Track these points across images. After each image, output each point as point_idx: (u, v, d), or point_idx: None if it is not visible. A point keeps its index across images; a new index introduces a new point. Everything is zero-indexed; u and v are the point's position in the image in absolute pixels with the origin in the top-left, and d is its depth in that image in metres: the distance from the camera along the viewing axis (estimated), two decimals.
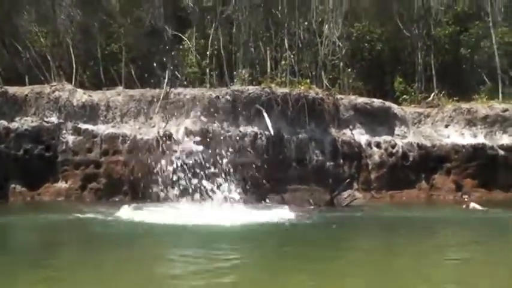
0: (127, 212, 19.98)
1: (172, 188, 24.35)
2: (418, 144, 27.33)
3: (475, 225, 20.00)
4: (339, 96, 27.32)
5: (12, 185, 24.10)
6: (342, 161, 26.09)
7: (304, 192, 24.88)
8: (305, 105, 25.51)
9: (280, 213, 20.38)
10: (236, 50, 30.12)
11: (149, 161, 24.39)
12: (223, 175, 24.37)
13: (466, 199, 24.74)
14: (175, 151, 24.28)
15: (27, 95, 25.26)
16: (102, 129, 25.15)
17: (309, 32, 31.27)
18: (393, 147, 26.95)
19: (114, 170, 24.58)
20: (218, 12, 30.61)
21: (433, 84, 31.35)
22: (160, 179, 24.04)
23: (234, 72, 28.92)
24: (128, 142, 24.80)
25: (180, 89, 26.25)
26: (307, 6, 31.19)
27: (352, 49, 32.62)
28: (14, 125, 24.57)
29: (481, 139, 27.88)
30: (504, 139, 27.90)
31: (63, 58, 30.08)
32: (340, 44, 30.54)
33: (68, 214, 19.48)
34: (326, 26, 30.64)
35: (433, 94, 30.14)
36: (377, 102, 27.70)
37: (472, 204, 23.77)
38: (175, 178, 24.14)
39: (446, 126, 28.27)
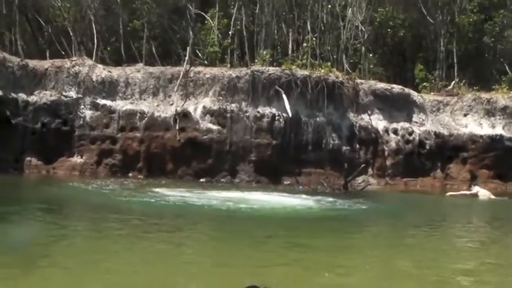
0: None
1: (188, 167, 24.53)
2: (435, 132, 27.21)
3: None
4: (359, 80, 27.24)
5: (28, 158, 24.24)
6: (358, 146, 26.11)
7: (319, 175, 24.94)
8: (324, 88, 25.49)
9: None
10: (258, 30, 29.99)
11: (166, 138, 24.50)
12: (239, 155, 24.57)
13: (471, 187, 24.57)
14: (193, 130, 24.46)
15: (47, 69, 25.39)
16: (120, 105, 25.23)
17: (332, 16, 31.09)
18: (410, 134, 26.84)
19: (130, 146, 24.68)
20: None
21: (454, 72, 31.07)
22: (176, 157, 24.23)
23: (255, 53, 28.79)
24: (146, 119, 24.88)
25: (200, 68, 26.33)
26: None
27: (375, 34, 32.44)
28: (32, 98, 24.68)
29: (499, 130, 27.67)
30: None
31: (85, 33, 30.21)
32: (362, 28, 30.33)
33: None
34: (349, 10, 30.41)
35: (453, 82, 29.88)
36: (396, 88, 27.57)
37: (477, 189, 23.73)
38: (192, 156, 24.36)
39: (465, 115, 28.07)
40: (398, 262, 10.91)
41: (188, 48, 26.92)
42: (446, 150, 27.12)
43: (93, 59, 26.84)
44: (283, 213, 16.82)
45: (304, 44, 29.46)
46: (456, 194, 23.81)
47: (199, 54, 28.65)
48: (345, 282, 8.97)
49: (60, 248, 10.78)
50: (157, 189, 19.84)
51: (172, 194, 19.03)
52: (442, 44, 32.05)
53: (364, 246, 12.83)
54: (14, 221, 13.31)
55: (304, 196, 20.54)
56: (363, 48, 30.67)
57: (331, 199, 20.24)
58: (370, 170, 26.07)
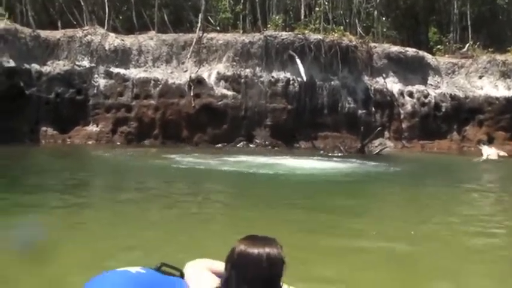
0: None
1: (203, 133, 24.47)
2: (450, 95, 27.07)
3: None
4: (372, 44, 27.10)
5: (44, 128, 24.19)
6: (373, 109, 26.02)
7: (335, 139, 24.87)
8: (338, 52, 25.36)
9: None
10: None
11: (181, 105, 24.43)
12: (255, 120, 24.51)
13: (481, 147, 24.46)
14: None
15: (59, 39, 25.29)
16: (134, 73, 25.14)
17: None
18: (426, 97, 26.71)
19: (145, 114, 24.59)
20: None
21: (468, 34, 30.84)
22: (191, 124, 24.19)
23: (267, 18, 28.62)
24: (160, 86, 24.78)
25: (212, 34, 26.20)
26: None
27: None
28: (46, 68, 24.58)
29: None
30: None
31: (96, 2, 30.04)
32: None
33: None
34: None
35: (467, 45, 29.71)
36: (411, 51, 27.45)
37: (487, 151, 23.62)
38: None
39: (480, 77, 27.93)
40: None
41: (200, 14, 26.80)
42: (462, 113, 26.98)
43: (105, 27, 26.68)
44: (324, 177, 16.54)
45: (317, 9, 29.31)
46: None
47: (212, 21, 28.57)
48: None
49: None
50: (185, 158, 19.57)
51: (205, 161, 18.71)
52: (455, 7, 31.83)
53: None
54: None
55: (333, 159, 20.54)
56: (376, 11, 30.46)
57: (359, 161, 20.15)
58: (386, 133, 26.00)
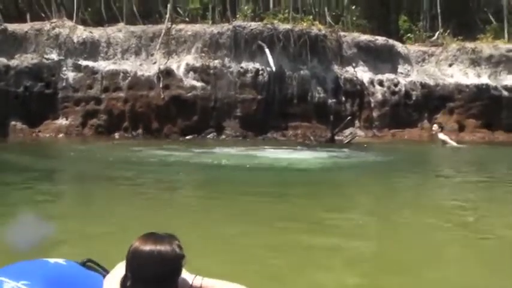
0: None
1: (174, 125, 24.38)
2: (421, 83, 27.10)
3: None
4: (342, 33, 27.07)
5: (13, 123, 23.99)
6: (344, 98, 25.99)
7: (306, 128, 24.88)
8: (307, 42, 25.35)
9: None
10: None
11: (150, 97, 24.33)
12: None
13: (433, 129, 24.46)
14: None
15: (27, 32, 25.10)
16: (103, 65, 24.99)
17: None
18: (396, 85, 26.73)
19: (114, 106, 24.46)
20: None
21: (438, 23, 30.84)
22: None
23: (237, 8, 28.52)
24: (129, 78, 24.66)
25: (181, 25, 26.10)
26: None
27: None
28: (13, 62, 24.37)
29: (485, 79, 27.60)
30: (508, 79, 27.58)
31: None
32: None
33: None
34: None
35: (437, 33, 29.76)
36: (380, 40, 27.45)
37: (441, 136, 23.60)
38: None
39: (450, 65, 28.03)
40: None
41: (169, 5, 26.63)
42: (432, 101, 26.98)
43: (74, 20, 26.48)
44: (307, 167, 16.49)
45: None
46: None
47: (181, 12, 28.39)
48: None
49: None
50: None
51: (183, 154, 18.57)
52: None
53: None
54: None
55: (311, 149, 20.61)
56: (345, 0, 30.45)
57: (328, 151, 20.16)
58: (356, 122, 26.02)
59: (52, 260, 3.72)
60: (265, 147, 20.81)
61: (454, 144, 23.02)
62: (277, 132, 24.78)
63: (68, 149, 20.31)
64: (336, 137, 24.01)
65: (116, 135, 24.22)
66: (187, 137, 23.87)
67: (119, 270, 3.57)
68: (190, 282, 3.61)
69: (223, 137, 24.37)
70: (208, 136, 24.28)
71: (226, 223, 8.83)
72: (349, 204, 11.26)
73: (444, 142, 23.02)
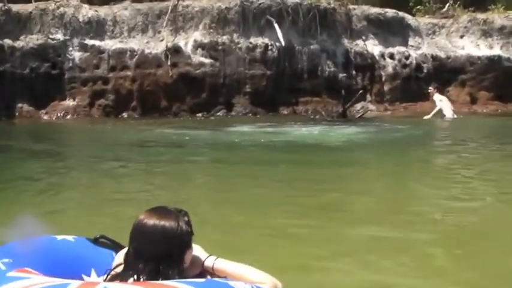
0: None
1: (182, 103, 24.12)
2: (432, 55, 26.79)
3: None
4: (351, 6, 26.72)
5: (19, 105, 23.69)
6: (354, 72, 25.71)
7: (317, 103, 24.59)
8: (316, 15, 25.06)
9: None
10: None
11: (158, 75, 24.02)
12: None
13: (429, 91, 24.19)
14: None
15: (31, 13, 24.72)
16: (110, 44, 24.62)
17: None
18: (407, 58, 26.42)
19: (122, 86, 24.12)
20: None
21: None
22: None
23: None
24: (136, 57, 24.31)
25: (188, 1, 25.65)
26: None
27: None
28: (18, 43, 24.01)
29: (497, 50, 27.28)
30: None
31: None
32: None
33: None
34: None
35: (447, 4, 29.31)
36: (390, 12, 27.11)
37: (437, 97, 23.34)
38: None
39: (462, 37, 27.67)
40: None
41: None
42: (444, 73, 26.65)
43: None
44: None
45: None
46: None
47: None
48: None
49: None
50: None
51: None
52: None
53: None
54: None
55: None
56: None
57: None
58: (368, 96, 25.75)
59: (60, 237, 3.48)
60: (292, 123, 20.77)
61: (449, 113, 22.88)
62: (288, 108, 24.49)
63: (90, 132, 19.84)
64: (348, 112, 23.71)
65: (125, 114, 23.90)
66: (198, 115, 23.66)
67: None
68: (202, 261, 3.32)
69: (233, 113, 24.07)
70: (218, 114, 23.96)
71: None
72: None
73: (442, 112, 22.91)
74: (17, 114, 23.58)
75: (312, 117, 23.31)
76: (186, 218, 3.15)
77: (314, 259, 6.25)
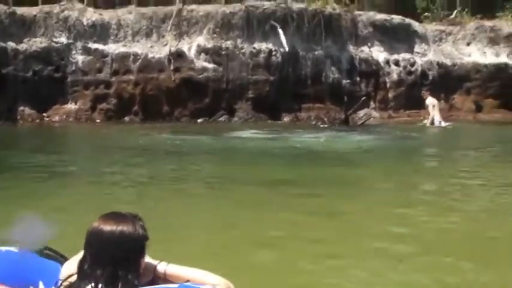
0: None
1: (184, 108, 24.03)
2: (438, 62, 26.62)
3: None
4: (357, 12, 26.60)
5: (21, 108, 23.69)
6: (358, 78, 25.58)
7: (319, 110, 24.43)
8: (321, 21, 24.95)
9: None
10: None
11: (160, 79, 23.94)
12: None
13: (423, 94, 24.05)
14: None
15: (35, 16, 24.75)
16: (113, 48, 24.60)
17: None
18: (412, 65, 26.24)
19: (124, 90, 24.06)
20: None
21: (455, 1, 30.24)
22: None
23: None
24: (139, 61, 24.25)
25: (193, 6, 25.67)
26: None
27: None
28: (22, 46, 24.05)
29: (503, 58, 27.09)
30: None
31: None
32: None
33: None
34: None
35: (455, 11, 29.16)
36: (397, 18, 26.94)
37: (429, 100, 23.22)
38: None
39: (468, 44, 27.46)
40: None
41: None
42: (449, 81, 26.46)
43: (84, 2, 26.13)
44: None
45: None
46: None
47: None
48: None
49: None
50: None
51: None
52: None
53: None
54: None
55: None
56: None
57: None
58: (372, 103, 25.57)
59: (3, 249, 3.36)
60: (299, 130, 20.63)
61: (437, 119, 22.81)
62: (290, 114, 24.33)
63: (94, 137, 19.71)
64: (350, 119, 23.52)
65: (126, 119, 23.81)
66: (199, 120, 23.54)
67: (81, 254, 3.18)
68: (154, 267, 3.23)
69: (236, 119, 23.94)
70: (220, 119, 23.85)
71: None
72: None
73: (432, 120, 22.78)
74: (18, 117, 23.58)
75: (313, 123, 23.16)
76: (141, 223, 3.09)
77: (329, 259, 6.29)
